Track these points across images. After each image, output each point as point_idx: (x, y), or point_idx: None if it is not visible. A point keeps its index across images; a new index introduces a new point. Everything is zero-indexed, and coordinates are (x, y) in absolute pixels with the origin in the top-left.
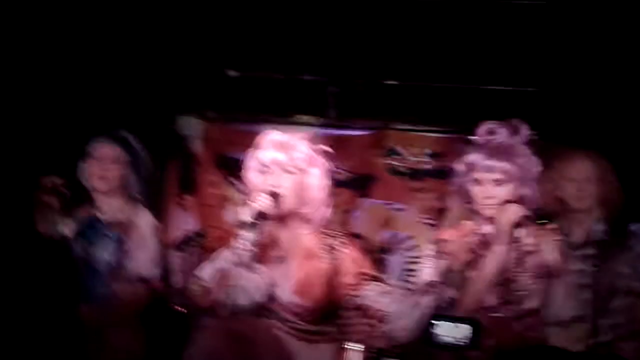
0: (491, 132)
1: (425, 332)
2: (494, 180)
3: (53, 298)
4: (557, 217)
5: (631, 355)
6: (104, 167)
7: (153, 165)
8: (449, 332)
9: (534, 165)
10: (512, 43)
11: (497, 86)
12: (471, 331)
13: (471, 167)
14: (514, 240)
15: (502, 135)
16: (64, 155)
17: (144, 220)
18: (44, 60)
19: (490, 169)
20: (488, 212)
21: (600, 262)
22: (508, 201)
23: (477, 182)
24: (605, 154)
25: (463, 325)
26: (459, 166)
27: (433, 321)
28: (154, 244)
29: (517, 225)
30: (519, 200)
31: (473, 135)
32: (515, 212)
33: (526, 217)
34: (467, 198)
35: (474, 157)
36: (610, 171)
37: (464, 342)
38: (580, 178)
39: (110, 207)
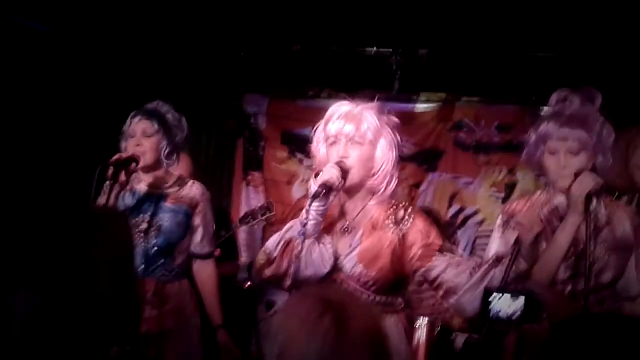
0: (565, 100)
1: (482, 306)
2: (569, 149)
3: (109, 272)
4: (628, 189)
5: None
6: (138, 142)
7: (186, 130)
8: (506, 306)
9: (609, 134)
10: (583, 12)
11: (569, 55)
12: (528, 305)
13: (545, 137)
14: (588, 212)
15: (576, 103)
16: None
17: (202, 194)
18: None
19: (565, 138)
20: (562, 183)
21: None
22: (583, 171)
23: (551, 152)
24: None
25: (520, 299)
26: (531, 136)
27: (490, 295)
28: (211, 220)
29: (592, 196)
30: (594, 171)
31: (543, 106)
32: (590, 182)
33: (601, 188)
34: (540, 169)
35: (547, 126)
36: None
37: (520, 317)
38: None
39: (159, 178)
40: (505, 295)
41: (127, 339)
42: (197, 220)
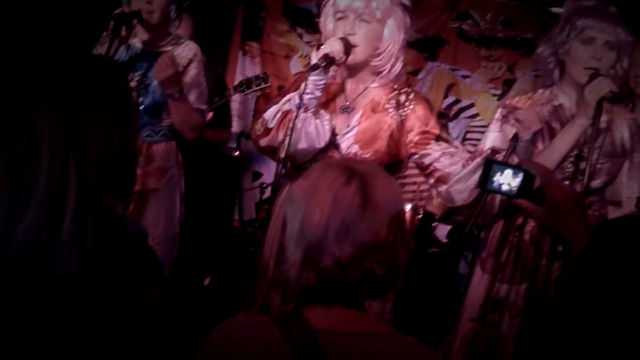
0: (588, 1)
1: (482, 177)
2: (607, 42)
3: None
4: (626, 97)
5: None
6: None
7: None
8: (506, 180)
9: (632, 41)
10: None
11: None
12: (525, 181)
13: (582, 28)
14: (596, 117)
15: (603, 4)
16: None
17: (195, 53)
18: None
19: (605, 31)
20: (582, 77)
21: None
22: (598, 73)
23: (586, 41)
24: None
25: (519, 174)
26: (565, 28)
27: (491, 167)
28: (202, 79)
29: (605, 100)
30: (615, 73)
31: (551, 6)
32: (605, 87)
33: (614, 94)
34: (558, 62)
35: (585, 20)
36: None
37: (517, 191)
38: (636, 64)
39: (158, 38)
40: (507, 169)
41: (125, 189)
42: (187, 78)
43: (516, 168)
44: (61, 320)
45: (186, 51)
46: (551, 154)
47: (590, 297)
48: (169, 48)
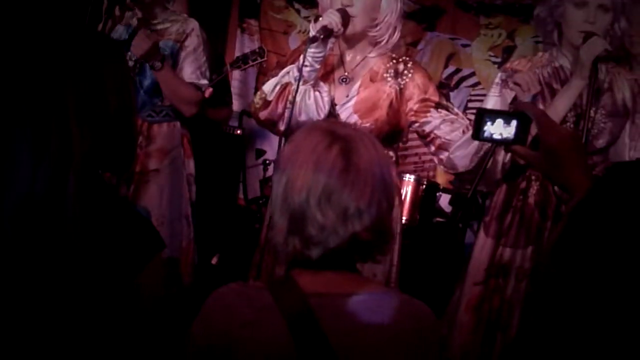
0: None
1: (475, 126)
2: (601, 4)
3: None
4: (623, 57)
5: None
6: None
7: None
8: (499, 128)
9: (628, 2)
10: None
11: None
12: (520, 126)
13: None
14: (592, 77)
15: None
16: None
17: (193, 29)
18: None
19: None
20: (577, 39)
21: None
22: (592, 34)
23: (579, 4)
24: None
25: (513, 122)
26: None
27: (483, 117)
28: (201, 54)
29: (600, 60)
30: (612, 34)
31: None
32: (599, 46)
33: (608, 53)
34: (555, 25)
35: None
36: None
37: (513, 137)
38: (634, 21)
39: (155, 15)
40: (498, 118)
41: (124, 166)
42: (184, 54)
43: (508, 115)
44: (69, 254)
45: (184, 27)
46: (551, 114)
47: (588, 251)
48: (165, 25)
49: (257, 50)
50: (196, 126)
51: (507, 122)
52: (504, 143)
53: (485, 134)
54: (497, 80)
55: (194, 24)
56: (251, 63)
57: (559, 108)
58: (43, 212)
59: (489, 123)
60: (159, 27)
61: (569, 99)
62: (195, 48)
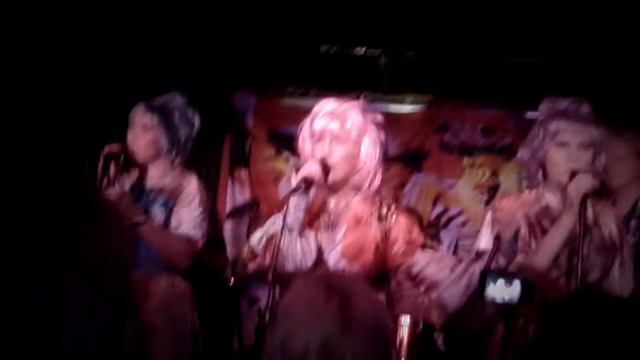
0: (562, 104)
1: (478, 290)
2: (581, 143)
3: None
4: (605, 191)
5: None
6: (137, 135)
7: (196, 127)
8: (501, 290)
9: (605, 137)
10: (569, 17)
11: (553, 60)
12: (523, 289)
13: (555, 132)
14: (582, 213)
15: (575, 105)
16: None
17: (190, 183)
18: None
19: (578, 132)
20: (563, 178)
21: None
22: (577, 171)
23: (561, 144)
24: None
25: (515, 282)
26: (539, 133)
27: (485, 278)
28: (197, 206)
29: (587, 197)
30: (594, 170)
31: (528, 110)
32: (587, 183)
33: (596, 189)
34: (539, 166)
35: (558, 123)
36: None
37: (515, 301)
38: (611, 156)
39: (155, 173)
40: (500, 278)
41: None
42: (178, 205)
43: (509, 275)
44: None
45: (181, 179)
46: (543, 253)
47: None
48: (165, 181)
49: (250, 202)
50: (193, 276)
51: (509, 282)
52: (510, 306)
53: (489, 298)
54: (488, 219)
55: (192, 176)
56: (245, 215)
57: (551, 246)
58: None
59: (491, 284)
60: (161, 184)
61: (560, 237)
62: (191, 200)
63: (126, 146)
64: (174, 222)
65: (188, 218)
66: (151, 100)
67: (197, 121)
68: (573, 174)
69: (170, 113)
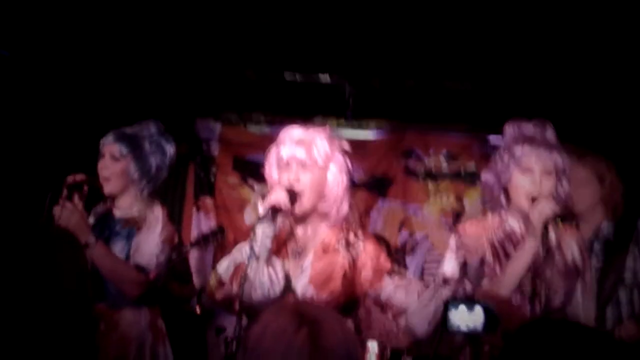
0: (526, 128)
1: (441, 319)
2: (545, 169)
3: (67, 296)
4: (567, 215)
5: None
6: (105, 165)
7: (169, 155)
8: (464, 318)
9: (567, 162)
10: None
11: (515, 85)
12: (485, 316)
13: (519, 158)
14: (545, 238)
15: (541, 131)
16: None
17: (153, 212)
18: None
19: (542, 159)
20: (525, 203)
21: (607, 257)
22: (538, 197)
23: (525, 170)
24: (607, 154)
25: (477, 309)
26: (503, 157)
27: (448, 307)
28: (157, 236)
29: (549, 221)
30: (557, 196)
31: (491, 134)
32: (549, 208)
33: (557, 214)
34: (502, 189)
35: (522, 148)
36: (610, 171)
37: (479, 329)
38: (573, 181)
39: (124, 203)
40: (462, 306)
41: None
42: (140, 234)
43: (470, 302)
44: None
45: (146, 210)
46: (507, 279)
47: None
48: (137, 211)
49: (216, 229)
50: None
51: (472, 310)
52: (475, 334)
53: (452, 326)
54: (452, 244)
55: (156, 205)
56: (211, 243)
57: (515, 272)
58: None
59: (453, 312)
60: (127, 213)
61: (523, 262)
62: (152, 229)
63: (94, 176)
64: (132, 251)
65: (145, 247)
66: (121, 129)
67: (171, 149)
68: (534, 199)
69: (140, 142)
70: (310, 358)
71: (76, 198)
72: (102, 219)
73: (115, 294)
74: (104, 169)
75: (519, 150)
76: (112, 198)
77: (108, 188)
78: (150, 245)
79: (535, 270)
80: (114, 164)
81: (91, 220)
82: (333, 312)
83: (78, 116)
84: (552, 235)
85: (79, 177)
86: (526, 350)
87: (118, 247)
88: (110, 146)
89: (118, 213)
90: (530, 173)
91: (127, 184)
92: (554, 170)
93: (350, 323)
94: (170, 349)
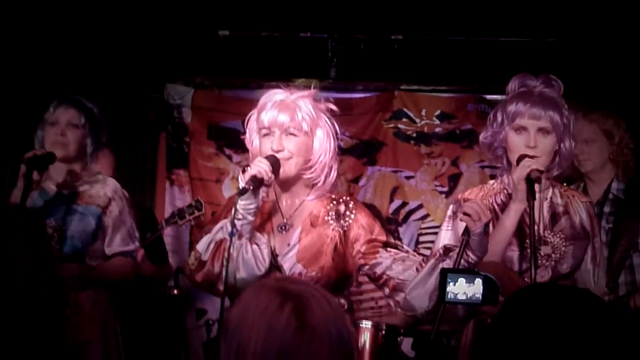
0: (527, 84)
1: (439, 288)
2: (541, 128)
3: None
4: (575, 177)
5: None
6: (60, 131)
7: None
8: (464, 288)
9: (572, 120)
10: None
11: (508, 38)
12: (486, 288)
13: (514, 116)
14: (530, 199)
15: (542, 86)
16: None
17: (114, 191)
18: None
19: (537, 117)
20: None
21: (618, 219)
22: (525, 155)
23: (519, 130)
24: (617, 110)
25: (477, 280)
26: (497, 116)
27: (446, 278)
28: (127, 217)
29: (533, 181)
30: (558, 155)
31: (487, 93)
32: (528, 167)
33: (540, 174)
34: (499, 151)
35: (517, 105)
36: (619, 128)
37: (478, 299)
38: (579, 139)
39: (69, 175)
40: (460, 277)
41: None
42: (109, 220)
43: (470, 273)
44: None
45: (105, 189)
46: (494, 245)
47: None
48: (85, 187)
49: (194, 203)
50: (131, 291)
51: (471, 281)
52: (471, 305)
53: (450, 296)
54: (449, 212)
55: (114, 185)
56: (188, 217)
57: (499, 235)
58: None
59: (451, 284)
60: (81, 188)
61: (509, 225)
62: (121, 212)
63: (49, 147)
64: (110, 240)
65: (122, 233)
66: (75, 97)
67: (107, 124)
68: (519, 159)
69: (92, 112)
70: (297, 335)
71: (36, 175)
72: (57, 195)
73: (76, 278)
74: (60, 136)
75: (512, 107)
76: (56, 169)
77: (62, 152)
78: (126, 227)
79: (540, 234)
80: (72, 131)
81: (39, 198)
82: (319, 288)
83: (37, 83)
84: (557, 199)
85: (41, 151)
86: (519, 316)
87: (78, 226)
88: (68, 113)
89: (70, 188)
90: (525, 131)
91: (79, 154)
92: (553, 128)
93: (342, 301)
94: (119, 328)
